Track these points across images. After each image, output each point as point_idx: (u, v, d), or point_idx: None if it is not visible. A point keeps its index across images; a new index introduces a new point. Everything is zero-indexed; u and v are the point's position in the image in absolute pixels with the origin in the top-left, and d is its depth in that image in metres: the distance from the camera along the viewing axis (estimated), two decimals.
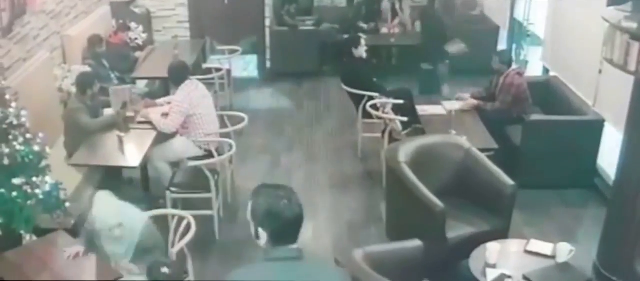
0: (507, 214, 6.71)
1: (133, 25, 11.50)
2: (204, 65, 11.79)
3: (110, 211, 5.47)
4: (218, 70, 10.93)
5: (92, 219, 5.50)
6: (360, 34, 10.72)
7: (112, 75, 9.86)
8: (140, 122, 7.97)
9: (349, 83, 9.65)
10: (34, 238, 5.92)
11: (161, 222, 6.01)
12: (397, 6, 13.64)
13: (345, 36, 12.40)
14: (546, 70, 10.69)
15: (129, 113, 7.90)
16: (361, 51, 10.00)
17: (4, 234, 5.68)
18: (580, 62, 9.15)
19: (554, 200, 8.37)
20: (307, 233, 7.80)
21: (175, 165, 8.30)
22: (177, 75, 8.12)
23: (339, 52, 11.45)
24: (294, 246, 3.28)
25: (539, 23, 11.44)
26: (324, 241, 7.65)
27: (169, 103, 8.18)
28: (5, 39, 7.85)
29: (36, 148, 5.84)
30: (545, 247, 6.08)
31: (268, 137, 10.41)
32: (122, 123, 7.68)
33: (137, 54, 10.98)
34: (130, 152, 7.44)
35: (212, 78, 10.63)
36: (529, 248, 6.09)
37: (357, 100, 9.50)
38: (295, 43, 12.94)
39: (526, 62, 12.10)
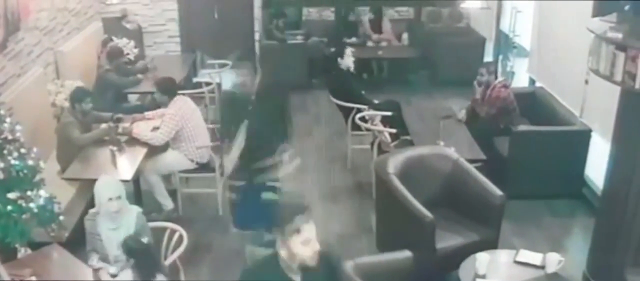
0: (496, 224, 6.75)
1: (124, 40, 11.53)
2: (195, 79, 11.87)
3: (110, 185, 5.69)
4: (208, 84, 11.01)
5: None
6: (348, 46, 10.75)
7: None
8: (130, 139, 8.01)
9: (338, 96, 9.71)
10: (29, 251, 5.95)
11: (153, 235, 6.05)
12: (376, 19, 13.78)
13: (333, 49, 12.55)
14: (533, 81, 10.76)
15: (119, 131, 7.96)
16: (348, 62, 10.03)
17: None
18: (566, 73, 9.22)
19: (542, 210, 8.43)
20: None
21: (166, 178, 8.36)
22: (167, 87, 8.21)
23: (327, 64, 11.51)
24: None
25: (525, 34, 11.51)
26: None
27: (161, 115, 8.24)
28: (0, 55, 7.90)
29: (30, 162, 5.84)
30: (535, 257, 6.08)
31: None
32: (114, 137, 7.74)
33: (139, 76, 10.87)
34: (123, 166, 7.49)
35: (203, 92, 10.69)
36: (519, 259, 6.10)
37: (346, 112, 9.55)
38: (284, 56, 13.00)
39: (513, 74, 12.18)
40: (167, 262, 5.78)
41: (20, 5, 8.24)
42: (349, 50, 10.13)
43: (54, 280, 5.59)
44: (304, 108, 12.30)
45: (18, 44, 8.35)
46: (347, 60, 10.01)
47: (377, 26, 13.76)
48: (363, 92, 10.01)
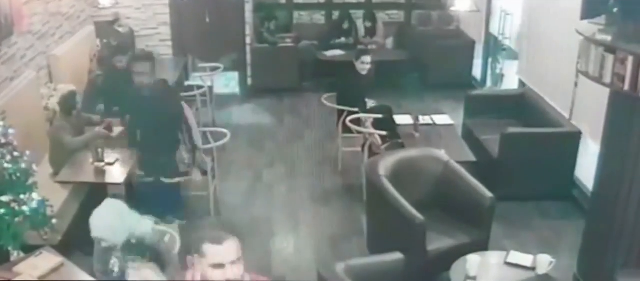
0: (487, 226, 6.78)
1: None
2: (186, 83, 11.91)
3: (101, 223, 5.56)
4: (200, 87, 11.05)
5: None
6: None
7: None
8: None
9: (346, 99, 9.72)
10: (22, 254, 5.96)
11: None
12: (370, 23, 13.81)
13: (326, 52, 12.64)
14: (522, 84, 10.81)
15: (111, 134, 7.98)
16: (365, 66, 10.02)
17: None
18: (555, 75, 9.26)
19: (533, 212, 8.47)
20: (289, 247, 7.90)
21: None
22: None
23: (339, 68, 11.51)
24: None
25: (515, 37, 11.56)
26: (306, 255, 7.73)
27: None
28: None
29: (23, 165, 5.86)
30: (525, 259, 6.09)
31: (250, 153, 10.47)
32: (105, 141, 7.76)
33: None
34: (115, 169, 7.50)
35: (194, 95, 10.73)
36: (509, 260, 6.11)
37: (340, 114, 9.60)
38: (275, 60, 13.04)
39: (502, 76, 12.23)
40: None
41: (14, 9, 8.24)
42: (367, 56, 10.13)
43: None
44: (295, 111, 12.34)
45: (11, 48, 8.35)
46: (365, 65, 10.01)
47: (371, 30, 13.78)
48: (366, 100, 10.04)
